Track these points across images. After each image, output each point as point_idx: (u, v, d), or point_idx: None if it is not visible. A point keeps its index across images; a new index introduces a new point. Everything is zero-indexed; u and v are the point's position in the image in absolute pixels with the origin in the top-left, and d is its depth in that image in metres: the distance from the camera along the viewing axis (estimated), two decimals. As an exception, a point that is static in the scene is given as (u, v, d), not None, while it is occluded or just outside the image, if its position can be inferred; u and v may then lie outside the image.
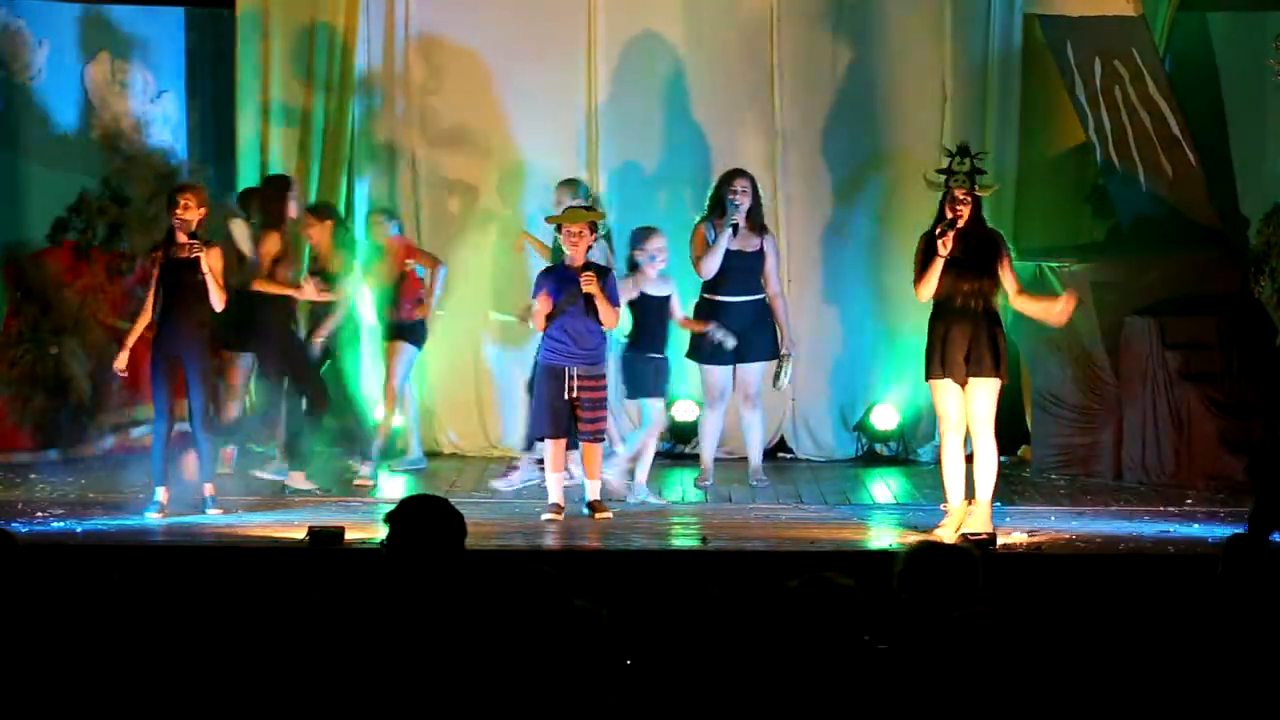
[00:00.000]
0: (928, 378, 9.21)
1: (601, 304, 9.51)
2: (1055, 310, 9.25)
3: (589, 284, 9.48)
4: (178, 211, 9.50)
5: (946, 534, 9.07)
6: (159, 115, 12.09)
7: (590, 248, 9.61)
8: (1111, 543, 9.08)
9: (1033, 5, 11.78)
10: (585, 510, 9.66)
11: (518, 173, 11.92)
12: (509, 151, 11.93)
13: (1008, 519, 9.59)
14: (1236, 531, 6.97)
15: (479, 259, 11.85)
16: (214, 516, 9.52)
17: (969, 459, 9.22)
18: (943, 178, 9.09)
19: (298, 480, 10.38)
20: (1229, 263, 11.04)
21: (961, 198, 9.03)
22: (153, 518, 9.45)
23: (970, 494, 9.21)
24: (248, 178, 11.69)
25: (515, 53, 11.92)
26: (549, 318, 9.58)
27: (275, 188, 10.66)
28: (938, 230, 9.02)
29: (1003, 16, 11.84)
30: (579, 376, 9.58)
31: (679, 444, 12.02)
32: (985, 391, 9.07)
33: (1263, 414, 10.72)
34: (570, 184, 10.82)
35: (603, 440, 9.80)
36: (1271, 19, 11.71)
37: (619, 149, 11.92)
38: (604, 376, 9.74)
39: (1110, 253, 11.49)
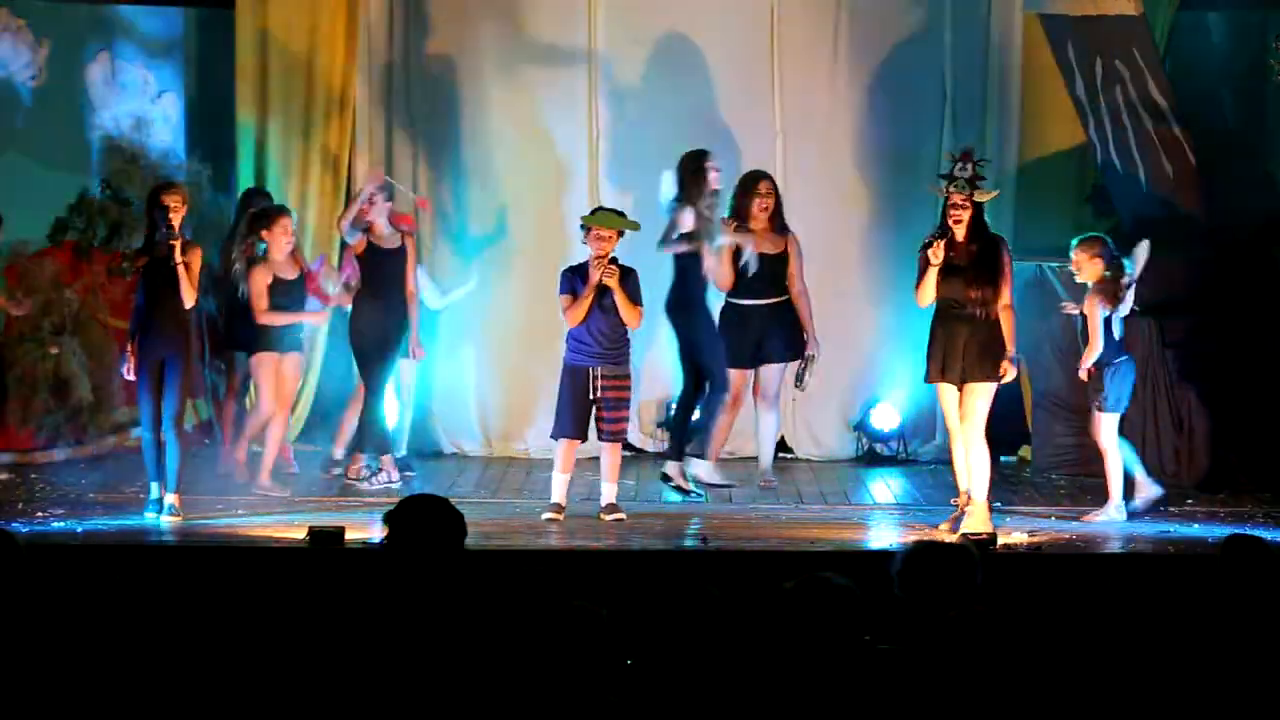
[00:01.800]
0: (926, 380, 9.33)
1: (622, 301, 9.49)
2: (1007, 356, 9.26)
3: (610, 276, 9.46)
4: (169, 209, 9.43)
5: (948, 528, 9.16)
6: (159, 115, 12.08)
7: (606, 251, 9.56)
8: (1111, 543, 9.10)
9: (1033, 5, 11.78)
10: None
11: (518, 173, 11.92)
12: (509, 152, 11.93)
13: (1008, 519, 9.60)
14: (1235, 532, 6.97)
15: (477, 258, 11.85)
16: (173, 521, 9.39)
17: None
18: (944, 183, 9.14)
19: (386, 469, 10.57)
20: (1229, 263, 11.04)
21: (960, 203, 9.08)
22: (151, 517, 9.46)
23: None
24: (247, 178, 11.69)
25: (515, 53, 11.92)
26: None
27: (695, 159, 10.30)
28: (929, 239, 9.16)
29: (1003, 16, 11.83)
30: (603, 376, 9.57)
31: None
32: (979, 395, 9.14)
33: (1262, 414, 10.73)
34: (385, 187, 10.83)
35: (622, 440, 9.77)
36: (1271, 19, 11.70)
37: (619, 150, 11.92)
38: (629, 377, 9.72)
39: (1110, 253, 11.48)
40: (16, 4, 11.78)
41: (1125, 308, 9.72)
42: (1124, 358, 9.75)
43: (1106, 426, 9.71)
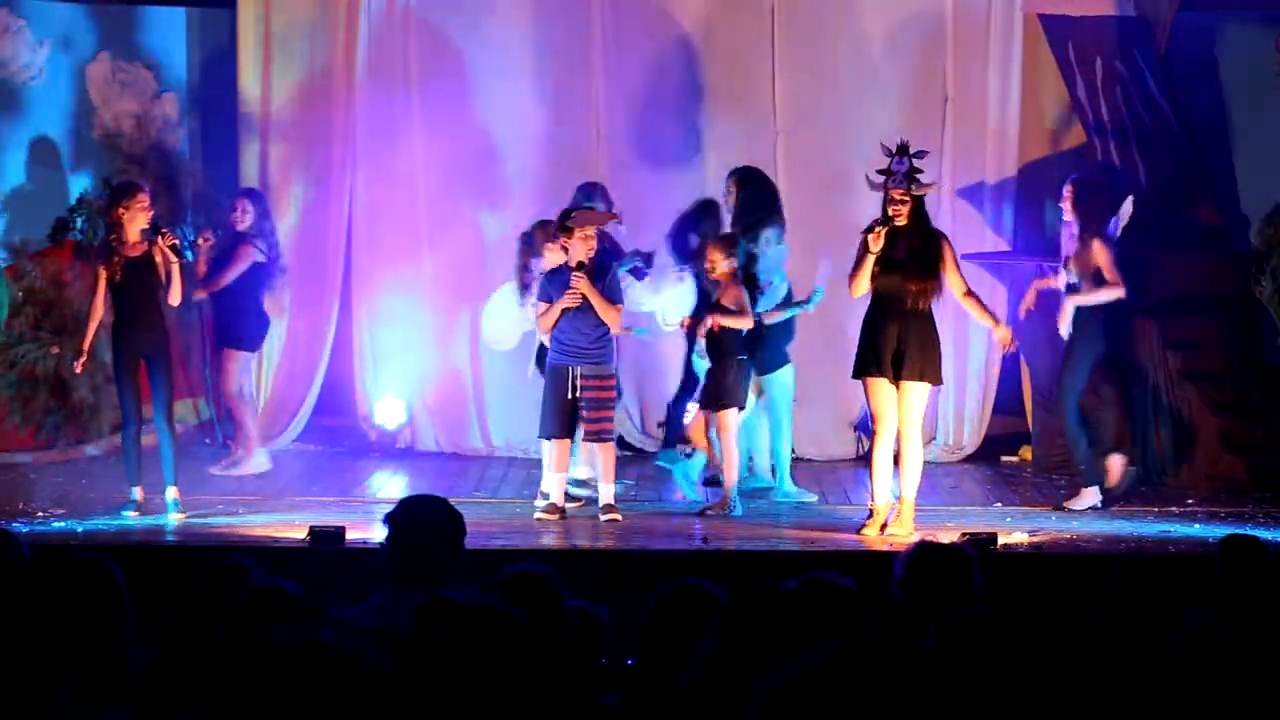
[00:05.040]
0: (856, 375, 9.26)
1: (597, 302, 9.48)
2: (995, 333, 9.40)
3: (579, 282, 9.44)
4: (130, 210, 9.46)
5: (871, 533, 9.16)
6: (159, 115, 12.09)
7: (592, 250, 9.57)
8: (1111, 543, 9.10)
9: (1033, 5, 11.78)
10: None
11: (520, 173, 11.92)
12: (512, 152, 11.93)
13: (1008, 519, 9.60)
14: (1235, 532, 6.97)
15: (479, 257, 11.86)
16: (179, 520, 9.41)
17: (896, 460, 9.30)
18: (883, 178, 9.13)
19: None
20: (1229, 263, 11.05)
21: (899, 198, 9.07)
22: (131, 516, 9.47)
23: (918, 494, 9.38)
24: (248, 179, 11.70)
25: (517, 53, 11.93)
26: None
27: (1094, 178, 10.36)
28: (870, 225, 9.10)
29: (1003, 16, 11.84)
30: (583, 376, 9.56)
31: (679, 444, 12.01)
32: (915, 395, 9.10)
33: (1263, 414, 10.73)
34: (548, 224, 10.77)
35: (609, 440, 9.72)
36: (1271, 19, 11.71)
37: (619, 149, 11.92)
38: (611, 377, 9.70)
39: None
40: (16, 4, 11.79)
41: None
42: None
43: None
